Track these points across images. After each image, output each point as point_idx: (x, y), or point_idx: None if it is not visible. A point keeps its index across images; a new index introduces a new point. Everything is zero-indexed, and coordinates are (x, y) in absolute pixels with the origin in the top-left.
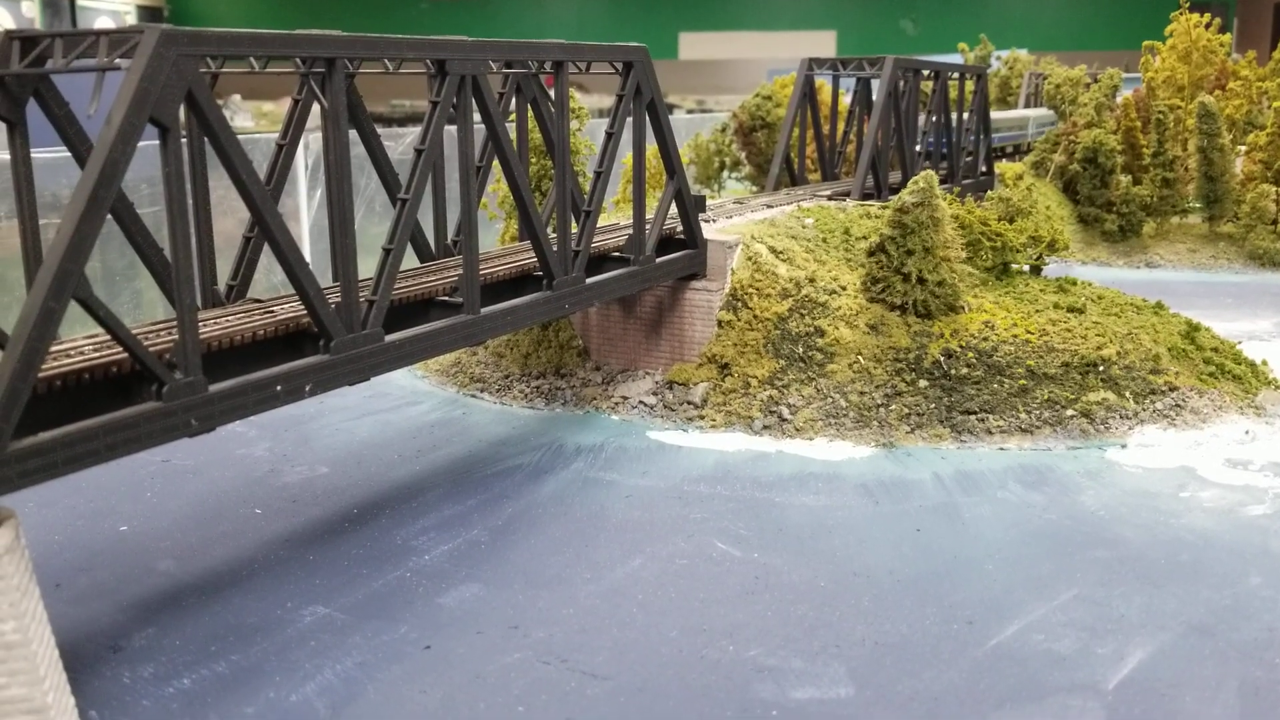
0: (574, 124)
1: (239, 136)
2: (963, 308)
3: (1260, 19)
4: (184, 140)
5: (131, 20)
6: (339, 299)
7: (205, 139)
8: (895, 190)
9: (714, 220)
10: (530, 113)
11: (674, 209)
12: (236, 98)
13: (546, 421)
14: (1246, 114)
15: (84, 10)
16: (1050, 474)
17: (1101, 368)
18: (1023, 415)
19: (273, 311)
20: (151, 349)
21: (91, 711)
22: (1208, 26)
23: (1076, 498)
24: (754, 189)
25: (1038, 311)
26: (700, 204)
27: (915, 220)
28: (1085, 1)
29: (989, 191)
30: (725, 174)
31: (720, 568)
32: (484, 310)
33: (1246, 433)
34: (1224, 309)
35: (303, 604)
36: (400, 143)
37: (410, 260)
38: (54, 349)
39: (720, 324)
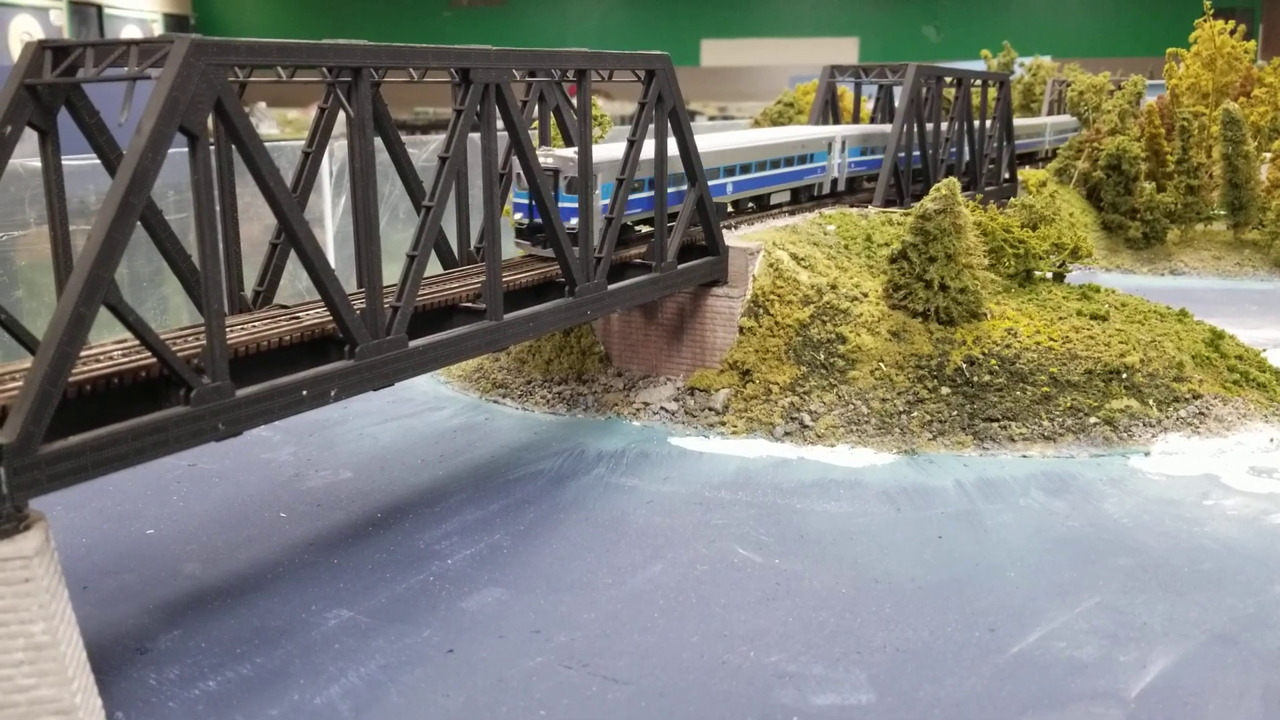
0: (596, 131)
1: (264, 144)
2: (985, 315)
3: None
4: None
5: (159, 29)
6: (364, 305)
7: (233, 146)
8: (918, 197)
9: (735, 227)
10: (553, 120)
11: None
12: (261, 105)
13: (568, 427)
14: (1272, 120)
15: (111, 19)
16: (1073, 481)
17: (1125, 375)
18: (1045, 422)
19: (298, 317)
20: (179, 354)
21: (118, 712)
22: (1232, 33)
23: (1099, 505)
24: None
25: (1061, 319)
26: (722, 211)
27: (937, 227)
28: (1109, 8)
29: (1012, 198)
30: None
31: (741, 574)
32: (506, 316)
33: (1271, 440)
34: (1249, 316)
35: (327, 607)
36: (424, 150)
37: (434, 267)
38: (83, 354)
39: (741, 330)
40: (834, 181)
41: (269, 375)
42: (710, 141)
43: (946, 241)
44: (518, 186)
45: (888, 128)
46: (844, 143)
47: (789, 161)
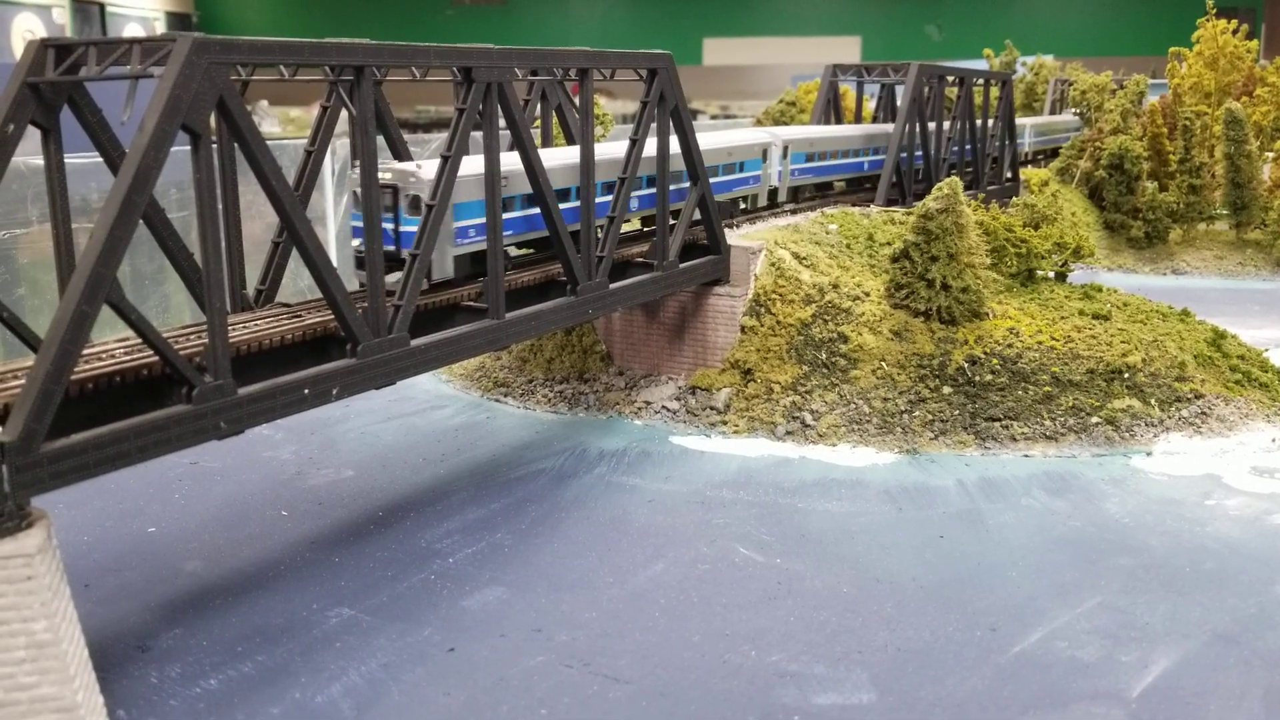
0: (598, 130)
1: (266, 142)
2: (987, 314)
3: None
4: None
5: (161, 28)
6: (365, 304)
7: (235, 145)
8: (920, 196)
9: (737, 226)
10: (555, 119)
11: (697, 214)
12: (264, 103)
13: (569, 426)
14: (1274, 120)
15: (113, 17)
16: (1075, 481)
17: (1127, 375)
18: (1047, 422)
19: (300, 316)
20: (181, 352)
21: (120, 710)
22: (1235, 32)
23: (1101, 505)
24: None
25: (1063, 318)
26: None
27: (939, 226)
28: (1111, 7)
29: (1014, 198)
30: None
31: (743, 573)
32: (508, 315)
33: (1273, 440)
34: (1251, 316)
35: (328, 606)
36: (426, 148)
37: None
38: (85, 352)
39: (743, 329)
40: (773, 192)
41: (271, 374)
42: (607, 150)
43: (948, 241)
44: (355, 207)
45: (838, 130)
46: (785, 148)
47: (711, 172)
